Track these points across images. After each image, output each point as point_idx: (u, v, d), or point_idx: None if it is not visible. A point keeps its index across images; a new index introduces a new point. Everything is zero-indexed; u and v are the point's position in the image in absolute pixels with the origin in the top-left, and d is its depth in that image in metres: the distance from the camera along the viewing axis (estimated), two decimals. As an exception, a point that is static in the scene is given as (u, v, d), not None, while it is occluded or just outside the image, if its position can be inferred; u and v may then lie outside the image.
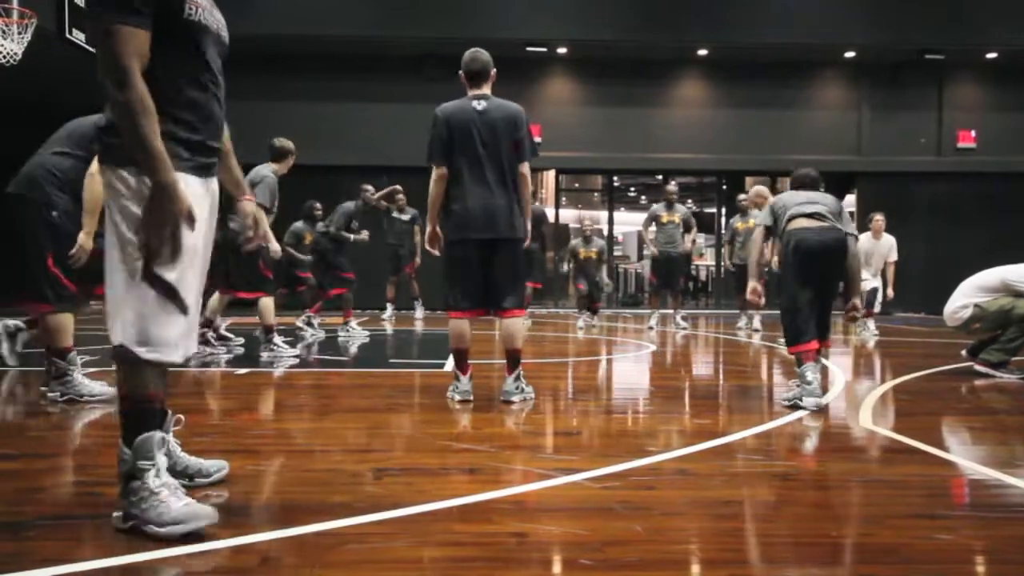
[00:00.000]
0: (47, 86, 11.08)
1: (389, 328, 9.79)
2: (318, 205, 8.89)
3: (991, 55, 13.70)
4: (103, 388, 4.20)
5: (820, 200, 4.50)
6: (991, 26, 13.07)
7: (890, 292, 9.39)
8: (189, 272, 2.16)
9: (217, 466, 2.58)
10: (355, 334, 8.29)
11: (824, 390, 4.43)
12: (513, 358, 4.31)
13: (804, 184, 4.73)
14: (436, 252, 4.43)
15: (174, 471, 2.34)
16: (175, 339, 2.14)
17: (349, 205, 8.61)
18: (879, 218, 9.37)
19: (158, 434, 2.15)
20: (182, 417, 2.42)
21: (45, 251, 4.03)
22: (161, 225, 2.01)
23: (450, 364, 5.98)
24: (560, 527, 2.24)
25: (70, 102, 11.67)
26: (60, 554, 1.94)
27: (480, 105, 4.22)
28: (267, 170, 6.21)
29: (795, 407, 4.13)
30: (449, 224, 4.28)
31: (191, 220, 2.06)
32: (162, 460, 2.15)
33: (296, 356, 6.35)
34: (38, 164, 4.09)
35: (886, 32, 13.16)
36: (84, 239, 4.04)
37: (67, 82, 11.01)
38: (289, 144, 6.38)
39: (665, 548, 2.09)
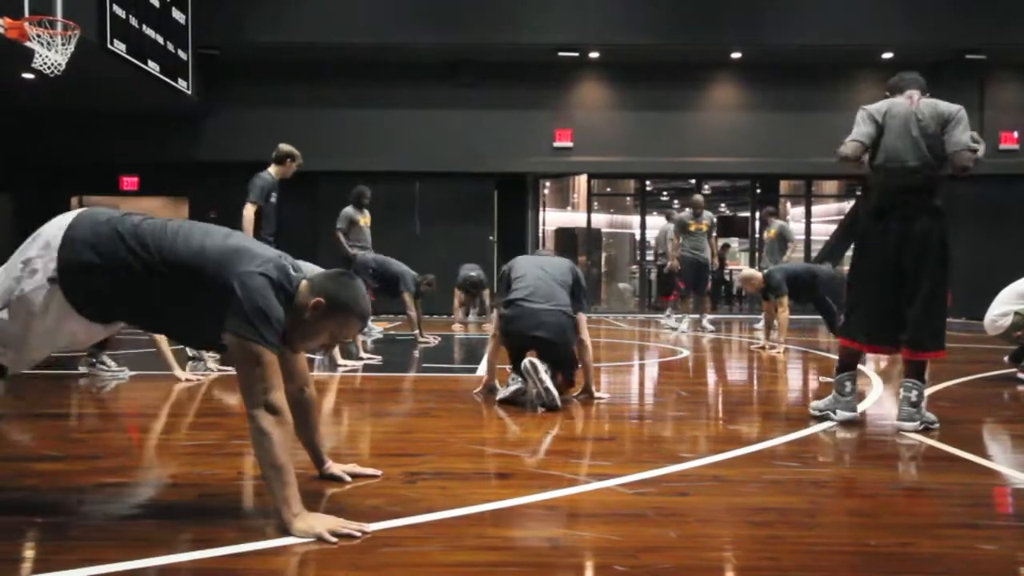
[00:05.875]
0: (89, 96, 11.35)
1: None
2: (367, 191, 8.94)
3: (1034, 54, 13.40)
4: None
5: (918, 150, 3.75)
6: (1034, 25, 12.78)
7: None
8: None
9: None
10: None
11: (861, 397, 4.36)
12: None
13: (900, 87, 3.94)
14: None
15: None
16: None
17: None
18: None
19: None
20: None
21: None
22: None
23: (483, 368, 6.01)
24: (593, 532, 2.23)
25: (111, 112, 12.02)
26: (100, 555, 1.98)
27: None
28: (264, 172, 6.23)
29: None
30: None
31: None
32: None
33: None
34: None
35: (925, 33, 12.91)
36: None
37: (108, 92, 11.29)
38: (288, 148, 6.36)
39: (700, 555, 2.07)
